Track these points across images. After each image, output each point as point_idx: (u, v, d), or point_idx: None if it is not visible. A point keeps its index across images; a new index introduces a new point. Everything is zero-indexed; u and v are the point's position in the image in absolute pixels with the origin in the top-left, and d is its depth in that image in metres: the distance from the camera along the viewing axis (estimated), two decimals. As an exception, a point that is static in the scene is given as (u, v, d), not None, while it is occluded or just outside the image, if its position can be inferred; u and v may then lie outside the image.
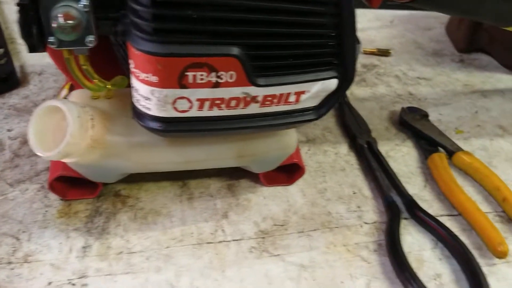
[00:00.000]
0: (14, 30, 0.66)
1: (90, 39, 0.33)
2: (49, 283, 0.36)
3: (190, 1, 0.29)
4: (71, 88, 0.48)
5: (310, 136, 0.54)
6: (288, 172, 0.46)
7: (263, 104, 0.34)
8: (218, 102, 0.33)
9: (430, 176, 0.49)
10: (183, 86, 0.32)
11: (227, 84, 0.33)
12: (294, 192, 0.46)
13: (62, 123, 0.39)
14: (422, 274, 0.39)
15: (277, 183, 0.46)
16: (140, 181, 0.45)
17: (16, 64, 0.60)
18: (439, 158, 0.50)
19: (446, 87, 0.65)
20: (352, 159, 0.51)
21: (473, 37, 0.72)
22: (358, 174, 0.49)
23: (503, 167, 0.51)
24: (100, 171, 0.40)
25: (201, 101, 0.33)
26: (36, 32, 0.32)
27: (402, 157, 0.52)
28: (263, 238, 0.41)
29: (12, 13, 0.69)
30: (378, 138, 0.53)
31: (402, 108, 0.57)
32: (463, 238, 0.42)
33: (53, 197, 0.43)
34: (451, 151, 0.51)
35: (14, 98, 0.55)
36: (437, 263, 0.40)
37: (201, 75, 0.32)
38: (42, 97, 0.55)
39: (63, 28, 0.31)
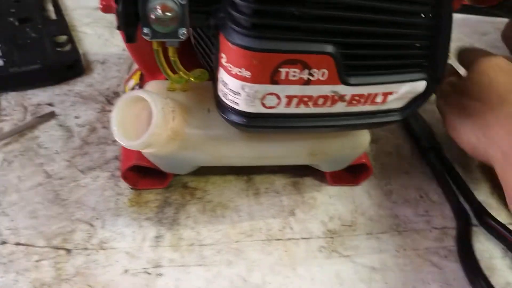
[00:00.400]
0: (74, 17, 0.66)
1: (183, 31, 0.33)
2: (125, 271, 0.37)
3: (295, -2, 0.29)
4: (141, 79, 0.49)
5: (372, 136, 0.53)
6: (354, 172, 0.46)
7: (349, 103, 0.34)
8: (306, 99, 0.33)
9: (496, 183, 0.48)
10: (274, 82, 0.32)
11: (318, 82, 0.32)
12: (360, 192, 0.46)
13: (141, 113, 0.39)
14: (494, 282, 0.39)
15: (343, 182, 0.46)
16: (206, 174, 0.46)
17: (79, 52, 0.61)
18: (507, 165, 0.49)
19: (507, 93, 0.64)
20: (416, 162, 0.50)
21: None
22: (423, 178, 0.48)
23: None
24: (174, 162, 0.41)
25: (290, 98, 0.33)
26: (135, 22, 0.32)
27: (466, 162, 0.51)
28: (331, 238, 0.41)
29: (75, 1, 0.70)
30: (441, 142, 0.52)
31: (465, 113, 0.56)
32: (535, 248, 0.41)
33: (124, 185, 0.43)
34: (518, 159, 0.50)
35: (79, 85, 0.55)
36: (508, 272, 0.40)
37: (294, 72, 0.32)
38: (106, 86, 0.56)
39: (160, 20, 0.31)
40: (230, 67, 0.32)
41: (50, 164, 0.45)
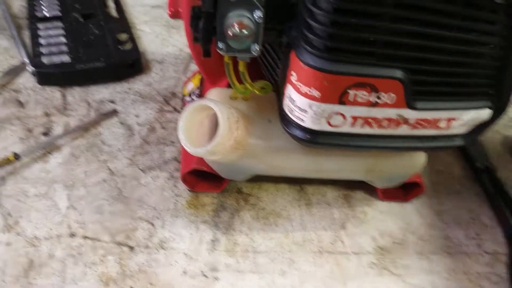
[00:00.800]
0: (133, 14, 0.68)
1: (256, 48, 0.34)
2: (184, 272, 0.39)
3: (369, 24, 0.30)
4: (202, 83, 0.50)
5: (424, 153, 0.53)
6: (405, 188, 0.46)
7: (414, 127, 0.35)
8: (371, 121, 0.34)
9: (551, 210, 0.48)
10: (342, 102, 0.33)
11: (385, 105, 0.33)
12: (410, 210, 0.46)
13: (204, 120, 0.41)
14: (544, 312, 0.39)
15: (393, 199, 0.46)
16: (259, 181, 0.47)
17: (138, 50, 0.63)
18: None
19: None
20: (467, 182, 0.50)
21: None
22: (475, 200, 0.48)
23: None
24: (234, 169, 0.42)
25: (355, 119, 0.34)
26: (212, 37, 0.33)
27: (520, 186, 0.51)
28: (382, 255, 0.42)
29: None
30: (496, 164, 0.52)
31: (519, 134, 0.56)
32: None
33: (182, 187, 0.45)
34: None
35: (138, 84, 0.57)
36: (561, 304, 0.40)
37: (363, 94, 0.32)
38: (164, 86, 0.57)
39: (236, 36, 0.33)
40: (300, 85, 0.33)
41: (113, 162, 0.47)
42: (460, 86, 0.33)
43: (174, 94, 0.56)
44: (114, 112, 0.52)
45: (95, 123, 0.51)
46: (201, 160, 0.43)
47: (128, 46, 0.60)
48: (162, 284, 0.38)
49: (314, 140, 0.35)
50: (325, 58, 0.31)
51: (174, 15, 0.47)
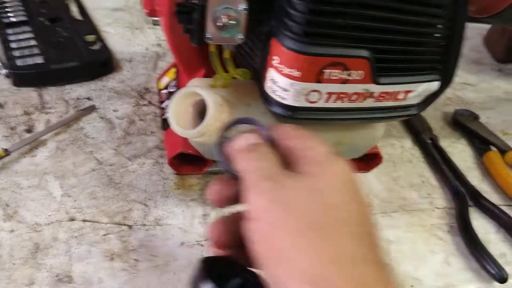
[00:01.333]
0: (95, 17, 0.71)
1: (240, 36, 0.38)
2: (182, 243, 0.42)
3: (341, 10, 0.35)
4: (177, 76, 0.54)
5: (377, 130, 0.60)
6: (365, 160, 0.53)
7: (377, 99, 0.41)
8: (342, 96, 0.40)
9: (486, 171, 0.56)
10: (318, 81, 0.38)
11: (354, 81, 0.39)
12: (372, 178, 0.53)
13: (189, 108, 0.45)
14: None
15: (357, 169, 0.53)
16: (238, 162, 0.51)
17: (105, 50, 0.65)
18: (495, 155, 0.56)
19: (490, 93, 0.72)
20: (416, 152, 0.58)
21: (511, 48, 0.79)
22: (423, 166, 0.56)
23: (546, 167, 0.58)
24: (218, 150, 0.46)
25: (330, 94, 0.39)
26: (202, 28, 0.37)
27: (458, 153, 0.59)
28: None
29: (93, 1, 0.74)
30: (437, 135, 0.60)
31: (456, 110, 0.64)
32: (521, 224, 0.49)
33: (168, 171, 0.49)
34: (503, 150, 0.58)
35: (112, 82, 0.60)
36: (501, 244, 0.47)
37: (336, 72, 0.38)
38: (136, 82, 0.60)
39: (225, 27, 0.37)
40: (282, 68, 0.38)
41: (99, 152, 0.50)
42: (415, 62, 0.40)
43: (147, 89, 0.59)
44: (93, 108, 0.55)
45: (76, 118, 0.53)
46: (186, 144, 0.47)
47: (97, 46, 0.63)
48: (163, 255, 0.41)
49: (294, 116, 0.40)
50: (304, 42, 0.36)
51: (151, 13, 0.51)
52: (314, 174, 0.27)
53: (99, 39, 0.64)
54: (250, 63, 0.45)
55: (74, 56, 0.59)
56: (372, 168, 0.53)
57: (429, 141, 0.58)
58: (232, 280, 0.27)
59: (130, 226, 0.43)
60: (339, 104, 0.40)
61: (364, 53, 0.38)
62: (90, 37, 0.64)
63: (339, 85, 0.39)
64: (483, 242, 0.46)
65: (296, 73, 0.38)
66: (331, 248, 0.25)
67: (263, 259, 0.25)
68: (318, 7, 0.35)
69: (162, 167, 0.49)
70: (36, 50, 0.59)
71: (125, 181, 0.47)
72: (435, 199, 0.51)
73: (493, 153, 0.57)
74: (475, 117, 0.63)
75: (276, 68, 0.39)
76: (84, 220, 0.43)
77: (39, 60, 0.57)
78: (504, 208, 0.51)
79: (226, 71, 0.44)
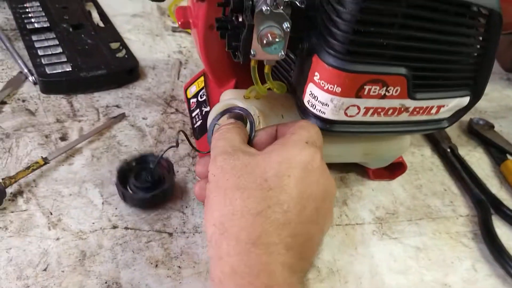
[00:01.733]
0: (115, 24, 0.72)
1: (282, 53, 0.40)
2: (221, 251, 0.44)
3: (382, 31, 0.37)
4: (206, 85, 0.56)
5: (397, 139, 0.62)
6: (389, 169, 0.55)
7: (411, 113, 0.42)
8: (379, 110, 0.41)
9: (504, 179, 0.58)
10: (358, 96, 0.40)
11: (391, 97, 0.40)
12: (396, 186, 0.54)
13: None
14: None
15: (382, 177, 0.54)
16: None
17: (128, 57, 0.66)
18: (512, 164, 0.59)
19: (501, 102, 0.74)
20: (436, 161, 0.60)
21: (520, 58, 0.81)
22: (444, 174, 0.58)
23: (559, 175, 0.60)
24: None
25: (367, 109, 0.41)
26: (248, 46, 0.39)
27: (476, 161, 0.61)
28: (380, 223, 0.50)
29: (112, 7, 0.75)
30: (456, 143, 0.61)
31: (471, 119, 0.66)
32: (540, 232, 0.51)
33: (201, 179, 0.50)
34: (519, 159, 0.60)
35: (138, 89, 0.61)
36: (523, 251, 0.49)
37: (375, 88, 0.39)
38: (162, 90, 0.62)
39: (269, 44, 0.38)
40: (323, 83, 0.40)
41: (133, 160, 0.51)
42: (449, 79, 0.41)
43: (173, 97, 0.61)
44: (123, 116, 0.56)
45: (108, 126, 0.54)
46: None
47: (122, 54, 0.64)
48: (205, 262, 0.42)
49: (332, 128, 0.42)
50: (346, 60, 0.38)
51: (184, 25, 0.52)
52: (269, 153, 0.35)
53: (123, 46, 0.65)
54: (286, 76, 0.47)
55: (101, 63, 0.60)
56: (397, 176, 0.55)
57: (448, 150, 0.60)
58: None
59: (170, 234, 0.44)
60: (375, 118, 0.42)
61: (402, 70, 0.39)
62: (115, 45, 0.65)
63: (377, 100, 0.40)
64: (507, 249, 0.48)
65: (336, 89, 0.39)
66: (242, 205, 0.33)
67: (205, 209, 0.35)
68: (362, 27, 0.37)
69: (195, 175, 0.50)
70: (63, 58, 0.60)
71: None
72: (458, 207, 0.53)
73: (511, 162, 0.59)
74: (491, 126, 0.65)
75: (316, 83, 0.40)
76: (126, 228, 0.44)
77: (67, 67, 0.58)
78: (524, 216, 0.53)
79: (263, 84, 0.45)
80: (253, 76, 0.43)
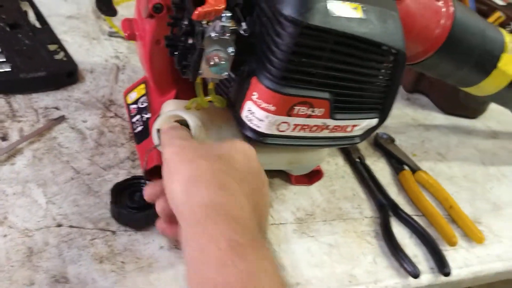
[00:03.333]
0: (50, 24, 0.72)
1: (226, 73, 0.45)
2: (161, 247, 0.48)
3: (313, 62, 0.44)
4: (147, 93, 0.59)
5: (315, 149, 0.70)
6: (309, 176, 0.62)
7: (331, 130, 0.50)
8: (305, 127, 0.48)
9: (401, 187, 0.68)
10: (289, 115, 0.46)
11: (316, 116, 0.48)
12: (314, 191, 0.62)
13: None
14: (404, 254, 0.58)
15: (302, 183, 0.62)
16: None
17: (65, 59, 0.68)
18: (408, 174, 0.69)
19: (401, 119, 0.86)
20: (347, 169, 0.68)
21: (418, 81, 0.94)
22: (354, 181, 0.66)
23: (444, 184, 0.72)
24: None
25: (296, 125, 0.48)
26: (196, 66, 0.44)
27: (380, 170, 0.70)
28: (300, 223, 0.57)
29: (47, 8, 0.75)
30: (364, 155, 0.71)
31: (377, 133, 0.76)
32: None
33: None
34: (414, 170, 0.71)
35: (77, 92, 0.63)
36: (414, 247, 0.59)
37: (303, 109, 0.46)
38: (100, 93, 0.64)
39: (215, 65, 0.44)
40: (260, 102, 0.46)
41: (75, 162, 0.53)
42: (362, 104, 0.49)
43: (111, 101, 0.64)
44: (63, 118, 0.58)
45: (48, 128, 0.56)
46: (160, 157, 0.52)
47: (61, 56, 0.65)
48: (147, 257, 0.47)
49: (265, 141, 0.48)
50: (281, 84, 0.44)
51: (130, 37, 0.56)
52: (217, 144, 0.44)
53: (62, 48, 0.67)
54: (225, 92, 0.52)
55: (40, 65, 0.61)
56: (315, 182, 0.62)
57: (357, 160, 0.69)
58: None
59: (113, 232, 0.48)
60: (302, 133, 0.49)
61: (326, 95, 0.47)
62: (53, 46, 0.66)
63: (304, 118, 0.47)
64: (401, 246, 0.58)
65: (271, 108, 0.46)
66: (188, 172, 0.39)
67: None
68: (296, 58, 0.43)
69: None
70: (2, 58, 0.60)
71: (104, 190, 0.51)
72: (364, 209, 0.62)
73: (407, 172, 0.69)
74: (392, 140, 0.76)
75: (254, 101, 0.46)
76: (71, 226, 0.47)
77: (7, 67, 0.59)
78: (416, 218, 0.63)
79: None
80: (197, 91, 0.49)
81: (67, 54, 0.66)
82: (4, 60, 0.60)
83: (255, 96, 0.46)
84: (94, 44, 0.73)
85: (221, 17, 0.42)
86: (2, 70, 0.58)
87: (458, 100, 0.91)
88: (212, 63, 0.44)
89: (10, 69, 0.59)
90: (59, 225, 0.47)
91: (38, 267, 0.43)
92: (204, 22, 0.43)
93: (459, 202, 0.67)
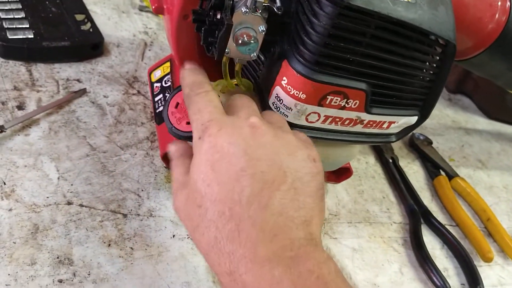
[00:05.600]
0: (81, -5, 0.70)
1: (254, 54, 0.42)
2: (173, 236, 0.45)
3: (350, 48, 0.40)
4: (171, 71, 0.56)
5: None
6: (336, 173, 0.58)
7: (365, 126, 0.46)
8: (337, 119, 0.44)
9: (435, 192, 0.64)
10: (320, 104, 0.42)
11: (350, 109, 0.43)
12: (341, 190, 0.58)
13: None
14: (433, 266, 0.53)
15: (329, 180, 0.58)
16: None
17: (93, 31, 0.65)
18: (444, 180, 0.64)
19: (440, 120, 0.80)
20: (378, 169, 0.64)
21: (462, 81, 0.88)
22: (384, 183, 0.62)
23: (483, 194, 0.67)
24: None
25: (327, 117, 0.44)
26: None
27: (413, 173, 0.66)
28: (323, 223, 0.53)
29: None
30: (397, 155, 0.66)
31: (413, 134, 0.71)
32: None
33: (158, 163, 0.51)
34: (450, 176, 0.66)
35: (101, 66, 0.61)
36: (445, 260, 0.55)
37: (336, 99, 0.42)
38: (125, 69, 0.62)
39: (244, 44, 0.40)
40: (289, 88, 0.42)
41: (91, 138, 0.51)
42: (402, 99, 0.45)
43: (135, 78, 0.61)
44: (84, 91, 0.56)
45: (67, 100, 0.54)
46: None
47: (87, 27, 0.63)
48: (157, 245, 0.44)
49: (293, 132, 0.44)
50: (313, 69, 0.40)
51: (158, 10, 0.52)
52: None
53: (89, 19, 0.64)
54: (254, 76, 0.49)
55: (65, 35, 0.59)
56: (343, 180, 0.58)
57: (390, 160, 0.65)
58: None
59: (125, 215, 0.45)
60: (332, 126, 0.45)
61: (363, 86, 0.42)
62: (80, 16, 0.64)
63: (337, 110, 0.43)
64: (431, 257, 0.53)
65: (301, 95, 0.42)
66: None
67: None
68: (332, 42, 0.39)
69: (153, 159, 0.51)
70: (26, 23, 0.58)
71: (119, 170, 0.49)
72: (393, 214, 0.58)
73: (442, 177, 0.65)
74: (429, 142, 0.71)
75: (283, 87, 0.42)
76: (81, 205, 0.44)
77: (29, 34, 0.57)
78: (449, 228, 0.58)
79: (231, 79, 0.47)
80: (223, 71, 0.45)
81: (94, 25, 0.63)
82: (28, 26, 0.58)
83: (284, 81, 0.42)
84: (124, 18, 0.71)
85: (254, -9, 0.39)
86: (24, 36, 0.56)
87: (505, 104, 0.85)
88: (240, 41, 0.40)
89: (32, 36, 0.57)
90: (69, 203, 0.44)
91: (42, 246, 0.40)
92: (235, -4, 0.39)
93: (498, 215, 0.62)
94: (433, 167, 0.67)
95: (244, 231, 0.32)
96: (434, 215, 0.59)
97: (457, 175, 0.66)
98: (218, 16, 0.42)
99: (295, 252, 0.32)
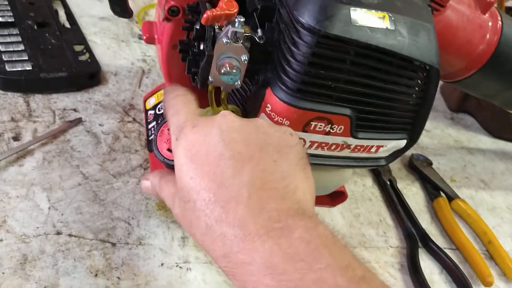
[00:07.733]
0: (81, 25, 0.72)
1: (238, 82, 0.42)
2: (162, 264, 0.45)
3: (332, 75, 0.40)
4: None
5: (343, 167, 0.65)
6: (331, 196, 0.58)
7: (352, 150, 0.46)
8: (323, 145, 0.44)
9: (435, 215, 0.63)
10: (305, 130, 0.42)
11: (335, 134, 0.43)
12: (336, 213, 0.58)
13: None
14: (431, 292, 0.52)
15: (323, 204, 0.57)
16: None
17: (91, 61, 0.67)
18: (443, 202, 0.63)
19: (441, 140, 0.79)
20: (376, 191, 0.63)
21: (464, 100, 0.87)
22: (381, 205, 0.61)
23: (485, 215, 0.66)
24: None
25: (312, 143, 0.44)
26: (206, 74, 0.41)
27: (412, 195, 0.65)
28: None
29: (80, 8, 0.75)
30: (395, 177, 0.66)
31: (412, 154, 0.70)
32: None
33: (150, 191, 0.52)
34: (451, 197, 0.65)
35: (98, 94, 0.62)
36: (443, 285, 0.54)
37: (320, 125, 0.42)
38: (122, 97, 0.63)
39: (226, 73, 0.41)
40: (274, 115, 0.42)
41: (85, 167, 0.52)
42: (389, 123, 0.45)
43: (132, 106, 0.62)
44: (79, 120, 0.57)
45: (62, 130, 0.55)
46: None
47: (85, 57, 0.64)
48: (144, 275, 0.44)
49: (278, 157, 0.44)
50: (296, 96, 0.40)
51: (149, 40, 0.53)
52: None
53: (87, 49, 0.66)
54: (242, 102, 0.49)
55: (63, 66, 0.60)
56: (337, 204, 0.58)
57: (387, 182, 0.64)
58: None
59: (113, 244, 0.45)
60: (319, 151, 0.45)
61: (347, 111, 0.42)
62: (79, 47, 0.66)
63: (322, 135, 0.43)
64: (429, 282, 0.52)
65: (285, 122, 0.42)
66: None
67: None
68: (313, 70, 0.39)
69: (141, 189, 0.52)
70: (24, 56, 0.60)
71: (110, 198, 0.49)
72: (390, 238, 0.57)
73: (442, 199, 0.64)
74: (429, 163, 0.70)
75: (267, 114, 0.43)
76: (70, 235, 0.45)
77: (27, 66, 0.59)
78: (448, 252, 0.57)
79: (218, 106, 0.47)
80: (209, 98, 0.45)
81: (92, 56, 0.65)
82: (26, 58, 0.59)
83: (268, 108, 0.42)
84: (123, 47, 0.72)
85: (234, 22, 0.39)
86: (22, 68, 0.58)
87: (509, 122, 0.83)
88: (223, 71, 0.41)
89: (30, 68, 0.58)
90: (58, 233, 0.45)
91: (30, 276, 0.41)
92: (216, 26, 0.40)
93: (500, 237, 0.61)
94: (433, 188, 0.66)
95: (231, 212, 0.32)
96: (433, 238, 0.58)
97: (457, 197, 0.65)
98: (201, 47, 0.42)
99: (284, 222, 0.32)
